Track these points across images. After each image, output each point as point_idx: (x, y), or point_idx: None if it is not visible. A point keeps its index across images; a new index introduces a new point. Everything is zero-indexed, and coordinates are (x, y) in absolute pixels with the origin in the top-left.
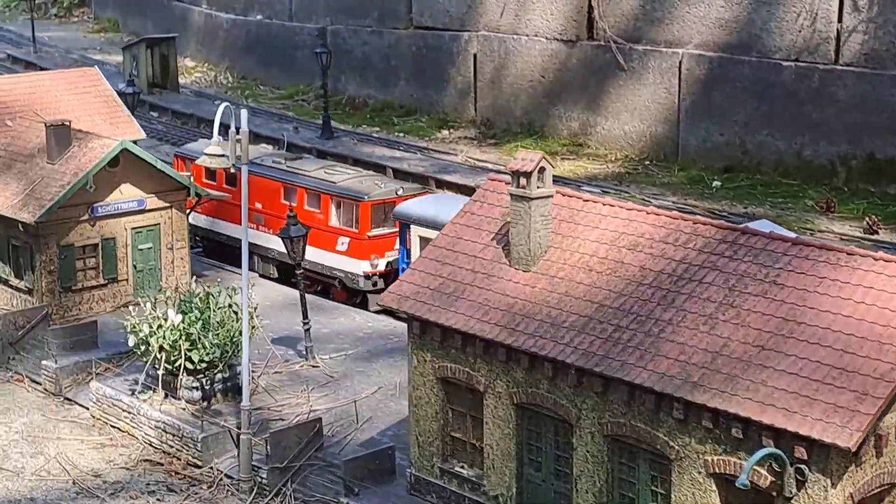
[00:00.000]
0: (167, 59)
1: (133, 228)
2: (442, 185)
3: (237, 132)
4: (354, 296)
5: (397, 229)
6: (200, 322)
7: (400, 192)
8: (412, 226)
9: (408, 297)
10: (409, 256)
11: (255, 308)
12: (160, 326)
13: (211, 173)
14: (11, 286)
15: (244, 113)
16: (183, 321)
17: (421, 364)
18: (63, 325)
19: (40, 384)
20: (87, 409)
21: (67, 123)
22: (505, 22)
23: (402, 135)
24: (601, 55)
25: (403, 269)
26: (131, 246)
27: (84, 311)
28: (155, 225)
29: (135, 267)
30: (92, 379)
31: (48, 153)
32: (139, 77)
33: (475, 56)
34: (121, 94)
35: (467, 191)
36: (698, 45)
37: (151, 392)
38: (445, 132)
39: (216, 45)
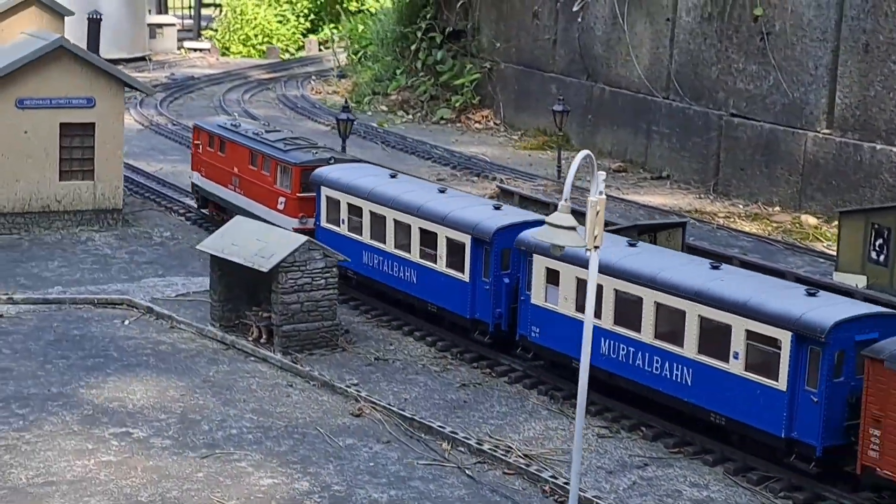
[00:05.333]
0: None
1: None
2: None
3: None
4: None
5: None
6: None
7: (332, 162)
8: (322, 187)
9: None
10: (319, 215)
11: None
12: None
13: (211, 140)
14: None
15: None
16: None
17: None
18: None
19: None
20: None
21: None
22: None
23: None
24: None
25: (316, 227)
26: None
27: None
28: None
29: None
30: None
31: None
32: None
33: None
34: None
35: None
36: None
37: None
38: None
39: None
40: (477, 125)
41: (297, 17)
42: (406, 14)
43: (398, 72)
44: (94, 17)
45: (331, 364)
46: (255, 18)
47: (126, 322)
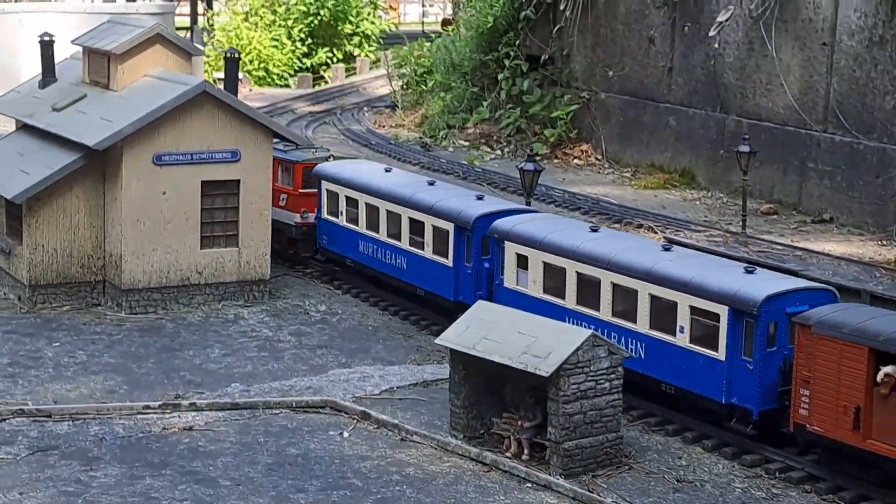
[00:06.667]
0: None
1: None
2: None
3: None
4: (293, 244)
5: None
6: None
7: (330, 159)
8: (322, 181)
9: None
10: (320, 208)
11: None
12: None
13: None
14: None
15: None
16: None
17: None
18: None
19: None
20: None
21: None
22: None
23: None
24: None
25: (317, 219)
26: None
27: None
28: None
29: None
30: None
31: None
32: None
33: None
34: None
35: None
36: None
37: None
38: None
39: None
40: (577, 161)
41: (294, 41)
42: (486, 41)
43: (485, 103)
44: (232, 55)
45: (627, 489)
46: (250, 43)
47: (346, 434)
